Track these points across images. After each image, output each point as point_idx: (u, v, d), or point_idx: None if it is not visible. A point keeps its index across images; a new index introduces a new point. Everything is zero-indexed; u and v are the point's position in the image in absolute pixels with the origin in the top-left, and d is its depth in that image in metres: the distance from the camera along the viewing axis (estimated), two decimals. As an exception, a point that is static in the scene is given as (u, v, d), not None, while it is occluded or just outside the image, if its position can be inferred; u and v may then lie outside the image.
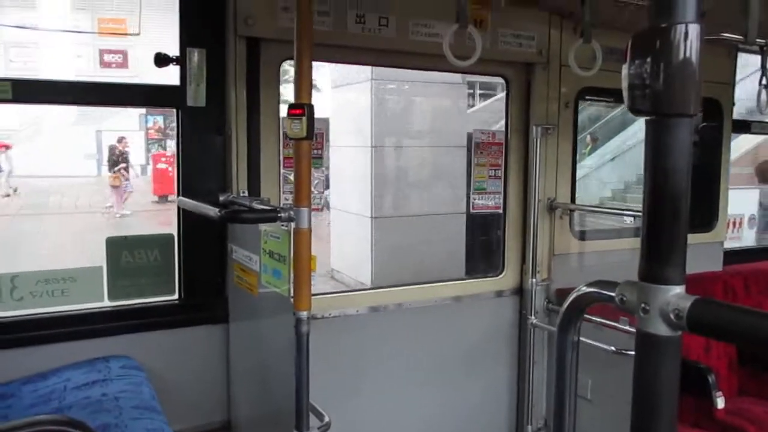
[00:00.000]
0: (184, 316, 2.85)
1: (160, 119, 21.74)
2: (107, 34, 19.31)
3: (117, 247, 2.78)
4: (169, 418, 2.29)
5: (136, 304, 2.81)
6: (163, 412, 2.33)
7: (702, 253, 4.00)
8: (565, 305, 1.12)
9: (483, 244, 7.85)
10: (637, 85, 0.88)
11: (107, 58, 19.71)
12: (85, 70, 18.37)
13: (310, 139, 2.09)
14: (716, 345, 3.60)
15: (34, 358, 2.56)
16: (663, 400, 0.91)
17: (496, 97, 21.10)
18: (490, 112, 19.91)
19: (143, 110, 21.09)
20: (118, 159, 17.06)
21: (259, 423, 2.76)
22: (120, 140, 17.53)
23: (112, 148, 17.49)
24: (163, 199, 19.31)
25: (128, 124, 21.29)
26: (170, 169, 19.73)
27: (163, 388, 2.61)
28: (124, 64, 19.50)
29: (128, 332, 2.74)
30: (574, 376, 1.16)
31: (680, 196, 0.87)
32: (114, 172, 16.69)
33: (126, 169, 16.93)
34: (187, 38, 2.73)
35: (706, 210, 4.20)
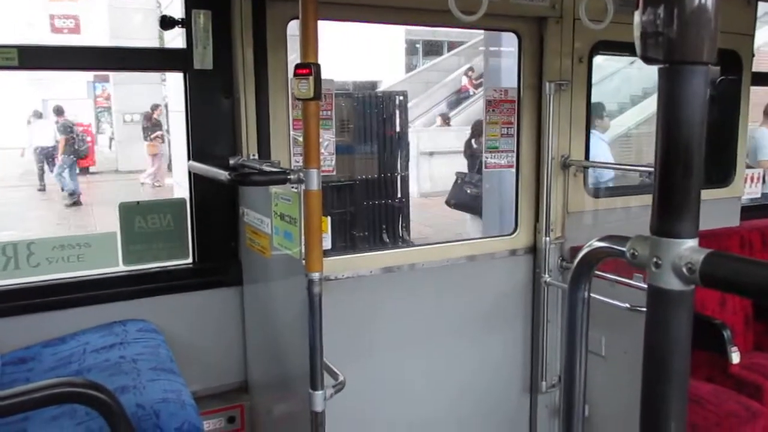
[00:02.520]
0: (198, 279, 2.87)
1: (108, 86, 20.89)
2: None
3: (130, 212, 2.79)
4: (187, 380, 2.33)
5: (150, 268, 2.84)
6: (180, 373, 2.37)
7: (719, 209, 3.95)
8: (576, 260, 1.11)
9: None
10: (650, 32, 0.84)
11: (58, 23, 19.17)
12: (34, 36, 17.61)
13: (318, 99, 2.06)
14: (732, 299, 3.58)
15: (53, 323, 2.61)
16: (675, 355, 0.90)
17: (442, 57, 20.96)
18: (437, 71, 19.76)
19: (91, 77, 20.56)
20: (153, 127, 16.58)
21: (275, 383, 2.80)
22: (154, 108, 17.24)
23: (146, 116, 17.15)
24: (84, 171, 18.84)
25: (76, 92, 20.66)
26: (89, 139, 19.23)
27: (179, 350, 2.65)
28: (76, 30, 19.04)
29: (144, 296, 2.77)
30: (584, 332, 1.15)
31: (694, 148, 0.84)
32: (150, 140, 16.39)
33: (162, 137, 16.60)
34: (192, 0, 2.69)
35: (723, 164, 4.13)
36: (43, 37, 18.13)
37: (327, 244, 2.88)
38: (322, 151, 2.86)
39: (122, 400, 1.64)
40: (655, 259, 0.87)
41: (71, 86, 20.18)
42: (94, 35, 18.11)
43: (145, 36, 15.92)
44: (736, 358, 2.91)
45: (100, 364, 2.35)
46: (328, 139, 2.99)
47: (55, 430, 1.94)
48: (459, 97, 18.28)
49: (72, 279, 2.70)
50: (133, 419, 1.70)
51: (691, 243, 0.85)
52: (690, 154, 0.84)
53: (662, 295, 0.88)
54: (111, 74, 18.19)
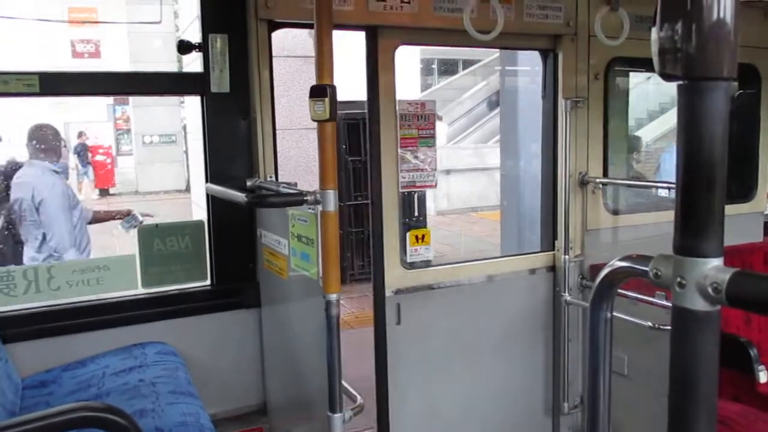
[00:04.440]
0: (216, 301, 2.88)
1: (128, 109, 21.09)
2: (78, 23, 18.91)
3: (148, 235, 2.81)
4: (205, 403, 2.33)
5: (169, 290, 2.85)
6: (199, 396, 2.36)
7: (741, 224, 3.89)
8: (597, 281, 1.09)
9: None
10: (668, 48, 0.83)
11: (79, 47, 19.55)
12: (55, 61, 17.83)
13: (334, 120, 2.07)
14: (757, 317, 3.51)
15: (73, 346, 2.62)
16: (702, 378, 0.87)
17: (457, 75, 21.05)
18: (453, 89, 19.84)
19: (111, 100, 20.89)
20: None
21: (294, 405, 2.78)
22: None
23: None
24: (104, 192, 19.14)
25: (96, 115, 20.93)
26: (108, 161, 19.56)
27: (198, 373, 2.65)
28: (96, 54, 19.41)
29: (163, 319, 2.78)
30: (608, 352, 1.12)
31: (716, 165, 0.82)
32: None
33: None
34: (209, 24, 2.73)
35: (744, 179, 4.08)
36: (64, 62, 18.50)
37: (429, 255, 3.06)
38: (425, 167, 3.05)
39: (141, 424, 1.63)
40: (679, 279, 0.85)
41: (92, 109, 20.52)
42: (114, 59, 18.46)
43: (164, 59, 16.17)
44: (763, 377, 2.84)
45: (119, 387, 2.35)
46: (431, 156, 3.11)
47: (74, 454, 1.94)
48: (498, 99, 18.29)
49: (92, 302, 2.72)
50: (151, 443, 1.69)
51: (716, 262, 0.83)
52: (713, 172, 0.82)
53: (687, 315, 0.85)
54: (130, 98, 18.54)
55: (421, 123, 3.07)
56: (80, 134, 19.63)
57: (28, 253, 4.37)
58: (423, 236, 3.12)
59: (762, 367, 2.85)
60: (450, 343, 3.26)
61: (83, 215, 4.55)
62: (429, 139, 3.10)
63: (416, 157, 3.08)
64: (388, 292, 3.05)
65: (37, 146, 4.45)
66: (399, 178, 3.02)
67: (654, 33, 0.85)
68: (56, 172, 4.48)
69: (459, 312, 3.28)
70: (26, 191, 4.33)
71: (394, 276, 3.06)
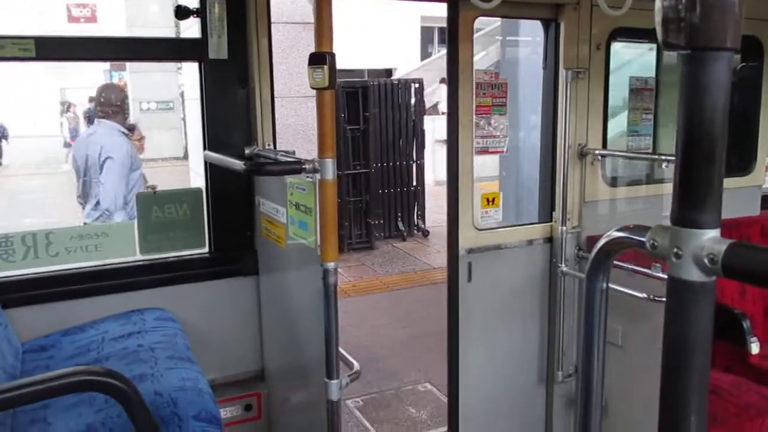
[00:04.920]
0: (215, 268, 2.89)
1: (126, 75, 20.68)
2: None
3: (146, 202, 2.81)
4: (204, 368, 2.35)
5: (167, 257, 2.86)
6: (197, 362, 2.39)
7: (739, 198, 3.89)
8: (594, 251, 1.09)
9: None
10: (672, 18, 0.82)
11: (75, 12, 19.30)
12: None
13: (333, 88, 2.05)
14: (752, 289, 3.53)
15: (72, 312, 2.64)
16: (696, 347, 0.88)
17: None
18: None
19: (108, 66, 20.72)
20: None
21: (291, 372, 2.82)
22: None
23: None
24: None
25: (93, 80, 20.86)
26: None
27: (196, 339, 2.68)
28: (92, 19, 19.19)
29: (161, 285, 2.79)
30: (602, 323, 1.13)
31: (716, 136, 0.82)
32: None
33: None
34: None
35: (743, 153, 4.07)
36: (59, 26, 18.28)
37: (499, 216, 3.20)
38: (497, 133, 3.21)
39: (140, 389, 1.66)
40: (675, 250, 0.86)
41: (88, 75, 20.37)
42: (111, 24, 18.26)
43: (161, 24, 16.00)
44: (755, 348, 2.88)
45: (118, 352, 2.37)
46: (502, 123, 3.26)
47: (74, 417, 1.97)
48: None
49: (90, 268, 2.73)
50: (151, 407, 1.71)
51: (713, 233, 0.84)
52: (712, 143, 0.82)
53: (683, 286, 0.86)
54: (127, 63, 18.41)
55: (495, 92, 3.22)
56: (91, 99, 19.56)
57: (87, 209, 4.49)
58: (493, 199, 3.26)
59: (754, 338, 2.88)
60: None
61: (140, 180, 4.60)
62: (501, 107, 3.25)
63: (489, 124, 3.22)
64: (461, 251, 3.16)
65: (106, 107, 4.50)
66: (474, 143, 3.13)
67: (658, 2, 0.84)
68: (123, 134, 4.52)
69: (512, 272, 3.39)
70: (94, 149, 4.41)
71: (467, 237, 3.18)
